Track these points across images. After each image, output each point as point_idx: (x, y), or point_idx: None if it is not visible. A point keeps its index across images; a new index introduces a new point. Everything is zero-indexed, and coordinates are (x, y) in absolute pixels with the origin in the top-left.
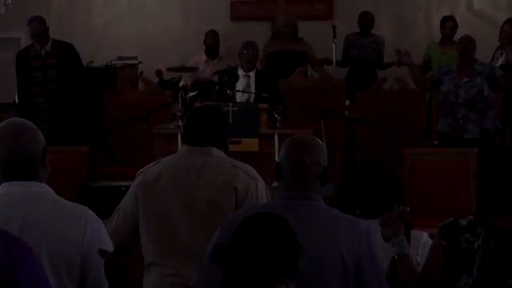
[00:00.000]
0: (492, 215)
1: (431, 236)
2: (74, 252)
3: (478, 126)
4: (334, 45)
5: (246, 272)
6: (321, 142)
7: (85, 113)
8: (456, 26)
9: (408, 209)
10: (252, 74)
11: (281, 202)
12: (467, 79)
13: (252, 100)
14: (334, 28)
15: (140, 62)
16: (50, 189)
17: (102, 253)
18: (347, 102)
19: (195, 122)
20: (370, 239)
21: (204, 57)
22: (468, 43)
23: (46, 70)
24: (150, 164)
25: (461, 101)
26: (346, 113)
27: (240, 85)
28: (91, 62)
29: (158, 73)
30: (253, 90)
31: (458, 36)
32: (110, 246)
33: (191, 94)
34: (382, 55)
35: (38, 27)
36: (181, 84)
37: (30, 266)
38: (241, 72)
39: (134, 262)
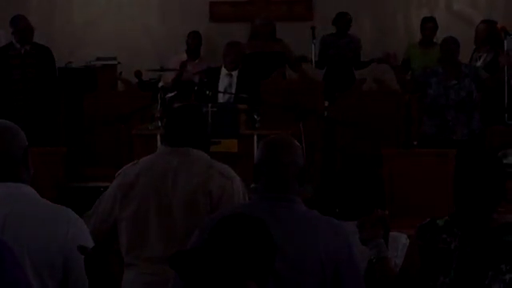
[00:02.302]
0: (468, 216)
1: (410, 237)
2: (56, 253)
3: (466, 127)
4: (312, 46)
5: (204, 279)
6: (297, 142)
7: (62, 113)
8: (436, 27)
9: (387, 212)
10: (235, 73)
11: (258, 203)
12: (455, 81)
13: (232, 99)
14: (312, 29)
15: (119, 63)
16: (33, 189)
17: (82, 249)
18: (326, 103)
19: (175, 122)
20: (350, 241)
21: (185, 57)
22: (453, 45)
23: (26, 69)
24: (129, 164)
25: (451, 103)
26: (325, 113)
27: (222, 84)
28: (70, 62)
29: (137, 73)
30: (234, 89)
31: (437, 37)
32: (91, 245)
33: (170, 95)
34: (359, 55)
35: (28, 23)
36: (160, 85)
37: (9, 265)
38: (224, 71)
39: (113, 259)
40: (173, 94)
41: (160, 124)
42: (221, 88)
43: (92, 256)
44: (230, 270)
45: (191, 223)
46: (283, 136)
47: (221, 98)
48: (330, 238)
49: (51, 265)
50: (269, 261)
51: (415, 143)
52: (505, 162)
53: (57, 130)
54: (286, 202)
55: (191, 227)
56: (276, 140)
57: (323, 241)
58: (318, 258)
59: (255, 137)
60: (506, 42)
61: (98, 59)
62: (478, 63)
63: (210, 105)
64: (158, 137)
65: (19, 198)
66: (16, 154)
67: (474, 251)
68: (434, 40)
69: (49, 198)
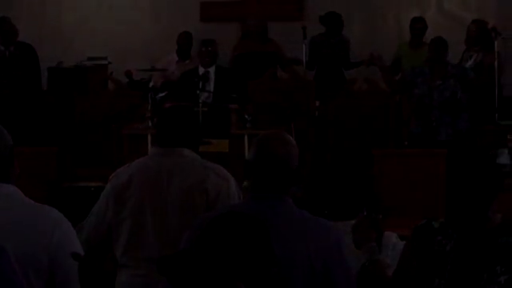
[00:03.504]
0: (462, 217)
1: (401, 237)
2: (42, 253)
3: (451, 128)
4: (303, 46)
5: (192, 283)
6: (292, 140)
7: (53, 113)
8: (425, 27)
9: (380, 216)
10: (212, 70)
11: (249, 203)
12: (440, 82)
13: (211, 98)
14: (303, 29)
15: (110, 63)
16: (18, 190)
17: (76, 256)
18: (317, 103)
19: (166, 123)
20: (340, 241)
21: (175, 57)
22: (440, 45)
23: (12, 72)
24: (122, 167)
25: (434, 103)
26: (317, 113)
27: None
28: (61, 62)
29: (128, 73)
30: (212, 85)
31: (427, 37)
32: (78, 248)
33: (161, 95)
34: (349, 55)
35: (12, 25)
36: (150, 85)
37: (5, 266)
38: (200, 69)
39: (108, 265)
40: (163, 94)
41: (150, 124)
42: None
43: (85, 262)
44: (220, 270)
45: (187, 223)
46: (279, 133)
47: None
48: (319, 237)
49: (37, 264)
50: (262, 261)
51: (406, 143)
52: (496, 161)
53: (48, 129)
54: (276, 202)
55: (186, 227)
56: (271, 137)
57: (313, 240)
58: (307, 257)
59: (246, 137)
60: (496, 42)
61: (89, 59)
62: (469, 63)
63: (200, 105)
64: (149, 136)
65: (4, 198)
66: (2, 155)
67: (468, 253)
68: (424, 40)
69: (40, 198)
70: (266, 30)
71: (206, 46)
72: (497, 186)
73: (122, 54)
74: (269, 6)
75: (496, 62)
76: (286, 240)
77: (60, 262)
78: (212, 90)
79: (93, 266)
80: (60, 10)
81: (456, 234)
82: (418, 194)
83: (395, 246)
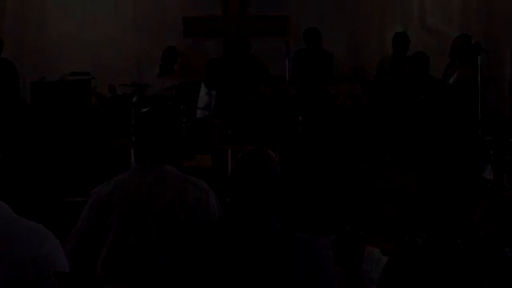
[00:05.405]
0: (445, 233)
1: (385, 252)
2: (29, 268)
3: (432, 142)
4: (287, 61)
5: None
6: (274, 157)
7: (36, 128)
8: (408, 42)
9: (361, 232)
10: (214, 92)
11: (230, 221)
12: (423, 96)
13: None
14: (286, 44)
15: (93, 78)
16: (6, 205)
17: (58, 275)
18: (300, 118)
19: (144, 139)
20: (321, 257)
21: (158, 72)
22: (421, 60)
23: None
24: (102, 184)
25: (416, 117)
26: (300, 129)
27: (201, 102)
28: (44, 77)
29: (111, 88)
30: (213, 108)
31: (410, 52)
32: (65, 264)
33: (144, 110)
34: (332, 70)
35: None
36: (134, 99)
37: None
38: (203, 89)
39: (91, 283)
40: (147, 109)
41: (134, 139)
42: (200, 106)
43: (70, 279)
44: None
45: (168, 238)
46: (260, 150)
47: (199, 115)
48: (301, 255)
49: (23, 279)
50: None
51: (389, 158)
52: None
53: (31, 144)
54: (257, 220)
55: (168, 241)
56: (253, 154)
57: (292, 256)
58: (290, 277)
59: (229, 152)
60: (479, 57)
61: (72, 74)
62: (452, 78)
63: (184, 120)
64: (132, 151)
65: None
66: None
67: (454, 268)
68: (407, 55)
69: (22, 213)
70: (249, 45)
71: (216, 67)
72: (473, 199)
73: (106, 69)
74: (251, 21)
75: (479, 78)
76: (269, 259)
77: (47, 276)
78: (212, 107)
79: (77, 282)
80: (43, 25)
81: (439, 250)
82: (403, 209)
83: (379, 261)
